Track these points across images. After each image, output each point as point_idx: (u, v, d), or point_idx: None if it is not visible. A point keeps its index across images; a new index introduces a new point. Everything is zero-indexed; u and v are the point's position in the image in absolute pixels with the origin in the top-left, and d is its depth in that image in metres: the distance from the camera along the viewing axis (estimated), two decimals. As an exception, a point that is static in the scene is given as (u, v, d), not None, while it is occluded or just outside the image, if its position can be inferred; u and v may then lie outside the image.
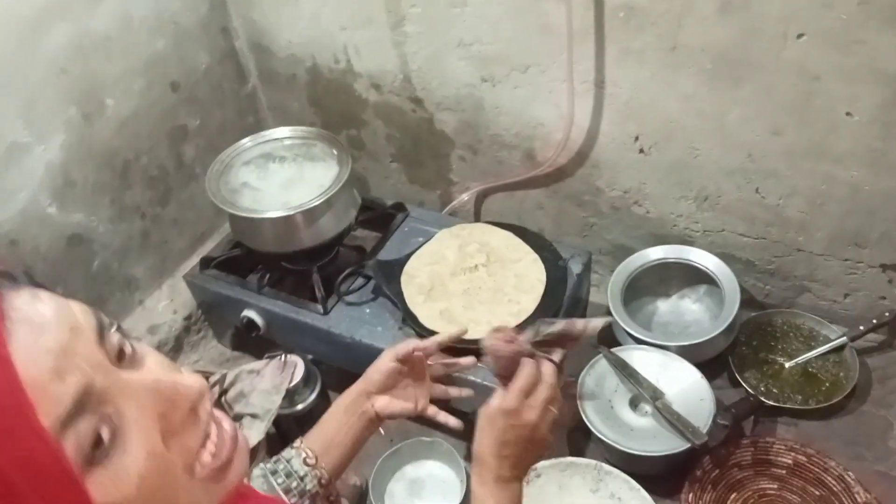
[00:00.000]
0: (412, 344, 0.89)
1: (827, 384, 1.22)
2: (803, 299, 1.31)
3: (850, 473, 1.07)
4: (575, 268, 1.22)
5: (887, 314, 1.22)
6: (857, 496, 1.05)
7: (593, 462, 1.06)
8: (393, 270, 1.21)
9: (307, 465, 0.79)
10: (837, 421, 1.19)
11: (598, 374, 1.17)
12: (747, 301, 1.31)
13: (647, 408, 1.14)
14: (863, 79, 1.00)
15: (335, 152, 1.27)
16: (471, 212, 1.50)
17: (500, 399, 0.70)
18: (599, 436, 1.08)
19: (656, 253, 1.31)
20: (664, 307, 1.36)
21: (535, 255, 1.21)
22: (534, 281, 1.17)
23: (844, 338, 1.24)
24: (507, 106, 1.30)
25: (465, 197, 1.46)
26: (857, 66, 1.00)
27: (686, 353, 1.18)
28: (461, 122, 1.37)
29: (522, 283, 1.17)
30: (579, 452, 1.16)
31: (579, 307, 1.31)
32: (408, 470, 1.15)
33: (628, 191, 1.31)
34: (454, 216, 1.46)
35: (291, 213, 1.16)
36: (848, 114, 1.04)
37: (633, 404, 1.14)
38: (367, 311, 1.19)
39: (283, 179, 1.26)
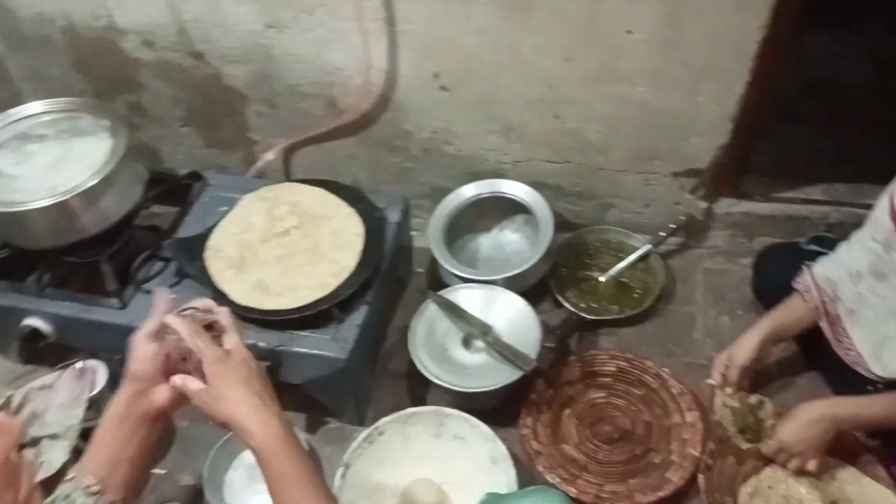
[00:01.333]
0: (156, 319, 0.74)
1: (638, 291, 1.31)
2: (610, 215, 1.39)
3: (664, 370, 1.17)
4: (393, 216, 1.19)
5: (682, 217, 1.33)
6: (672, 389, 1.15)
7: (434, 408, 1.06)
8: (195, 247, 1.11)
9: (92, 494, 0.67)
10: (650, 324, 1.29)
11: (428, 319, 1.16)
12: (561, 224, 1.36)
13: (480, 344, 1.15)
14: (641, -3, 1.04)
15: (107, 123, 1.13)
16: (280, 171, 1.41)
17: (206, 358, 0.70)
18: (436, 381, 1.08)
19: (470, 190, 1.31)
20: (486, 242, 1.38)
21: (350, 209, 1.16)
22: (351, 236, 1.12)
23: (648, 245, 1.33)
24: (299, 52, 1.22)
25: (269, 156, 1.37)
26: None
27: (511, 283, 1.21)
28: (253, 75, 1.27)
29: (339, 240, 1.12)
30: (420, 401, 1.16)
31: (403, 255, 1.29)
32: (246, 455, 1.08)
33: (437, 131, 1.29)
34: (262, 178, 1.36)
35: (62, 198, 1.03)
36: (628, 31, 1.08)
37: (466, 343, 1.16)
38: (172, 297, 1.08)
39: (46, 161, 1.10)
